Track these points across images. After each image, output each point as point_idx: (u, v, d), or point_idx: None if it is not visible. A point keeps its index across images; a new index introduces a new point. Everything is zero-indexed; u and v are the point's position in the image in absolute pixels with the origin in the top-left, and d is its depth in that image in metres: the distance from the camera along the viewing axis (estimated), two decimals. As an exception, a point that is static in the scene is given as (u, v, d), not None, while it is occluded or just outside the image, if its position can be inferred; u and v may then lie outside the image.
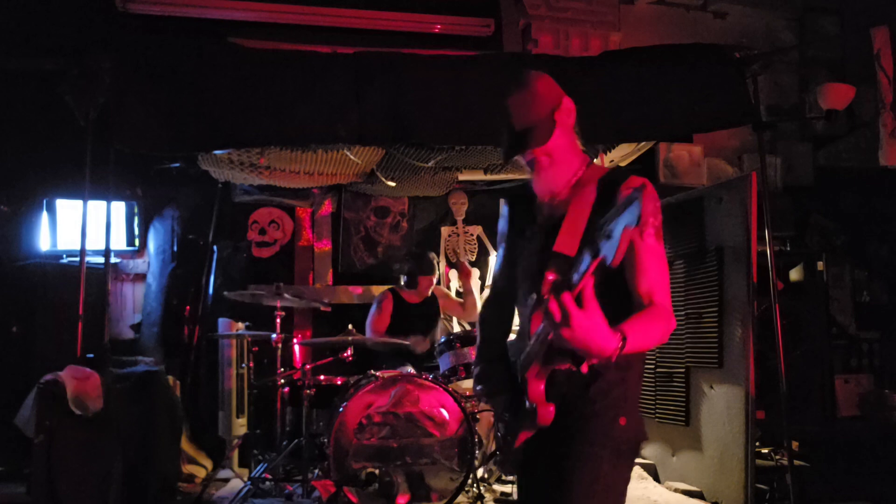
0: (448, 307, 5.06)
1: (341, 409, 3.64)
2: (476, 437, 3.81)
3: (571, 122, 1.87)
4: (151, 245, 5.37)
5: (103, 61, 3.41)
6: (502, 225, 2.09)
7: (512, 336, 2.10)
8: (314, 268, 5.60)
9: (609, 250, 1.38)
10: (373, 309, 4.82)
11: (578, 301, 1.48)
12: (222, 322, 4.93)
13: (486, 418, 4.10)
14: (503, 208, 2.09)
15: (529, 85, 1.84)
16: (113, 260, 4.80)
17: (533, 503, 1.97)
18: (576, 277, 1.48)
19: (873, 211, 6.31)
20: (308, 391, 3.97)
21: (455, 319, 5.33)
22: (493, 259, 5.67)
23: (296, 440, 4.10)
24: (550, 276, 1.73)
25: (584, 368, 1.75)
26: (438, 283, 5.48)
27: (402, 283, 4.81)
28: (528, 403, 1.78)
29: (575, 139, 1.90)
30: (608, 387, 1.82)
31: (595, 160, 1.95)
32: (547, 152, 1.83)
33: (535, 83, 1.84)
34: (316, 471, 4.03)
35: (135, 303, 5.40)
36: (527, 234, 1.94)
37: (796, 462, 3.91)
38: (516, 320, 2.12)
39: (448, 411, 3.72)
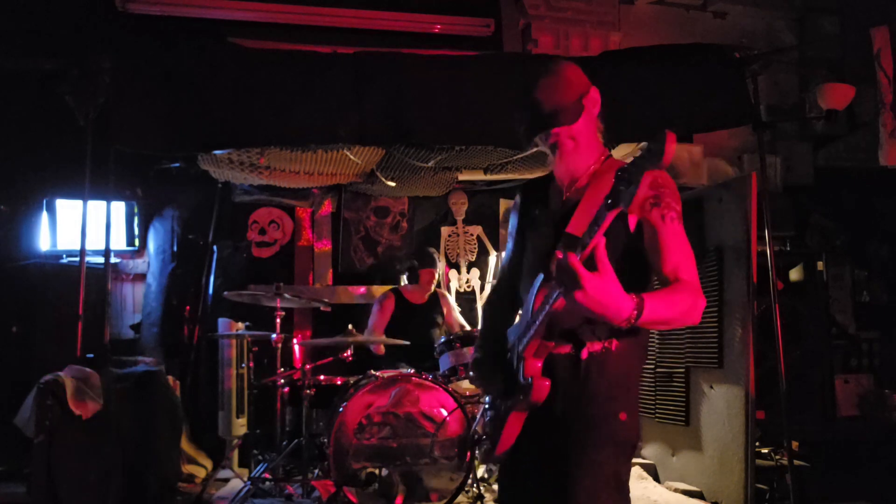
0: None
1: (341, 409, 3.64)
2: (476, 436, 3.80)
3: (597, 110, 1.89)
4: (151, 245, 5.37)
5: (103, 61, 3.41)
6: (513, 216, 2.11)
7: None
8: (314, 268, 5.60)
9: (626, 197, 1.42)
10: (374, 309, 4.82)
11: (592, 263, 1.50)
12: (222, 322, 4.92)
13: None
14: (516, 199, 2.10)
15: (559, 71, 1.88)
16: (113, 260, 4.80)
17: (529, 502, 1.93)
18: (586, 238, 1.51)
19: (873, 211, 6.30)
20: (308, 391, 3.97)
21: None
22: (493, 259, 5.72)
23: (296, 440, 4.10)
24: (559, 255, 1.74)
25: (584, 354, 1.79)
26: (438, 284, 5.48)
27: (404, 281, 4.80)
28: (522, 380, 1.77)
29: (597, 129, 1.93)
30: (609, 380, 1.81)
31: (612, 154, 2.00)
32: (572, 135, 1.85)
33: (564, 70, 1.88)
34: (316, 471, 4.03)
35: (135, 303, 5.40)
36: (538, 219, 1.97)
37: (796, 462, 3.91)
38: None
39: (448, 411, 3.72)
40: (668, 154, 1.38)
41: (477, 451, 2.08)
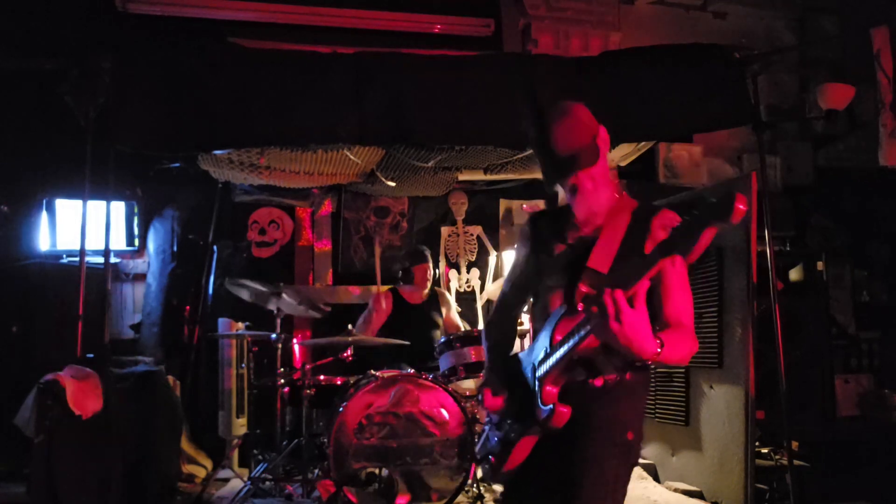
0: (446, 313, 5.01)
1: (341, 409, 3.64)
2: (476, 437, 3.80)
3: (608, 149, 1.95)
4: (151, 245, 5.37)
5: (103, 61, 3.41)
6: (524, 244, 2.16)
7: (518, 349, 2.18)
8: (314, 268, 5.60)
9: (685, 247, 1.47)
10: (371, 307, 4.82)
11: (630, 302, 1.58)
12: (222, 322, 4.92)
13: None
14: (525, 228, 2.16)
15: (571, 112, 1.91)
16: (113, 260, 4.79)
17: None
18: (633, 278, 1.57)
19: (873, 211, 6.30)
20: (308, 391, 3.97)
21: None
22: (493, 259, 5.72)
23: (296, 440, 4.10)
24: (583, 289, 1.83)
25: (598, 382, 1.88)
26: (437, 283, 5.48)
27: (401, 281, 4.80)
28: (542, 407, 1.84)
29: (609, 167, 1.99)
30: (620, 405, 1.90)
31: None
32: (591, 176, 1.90)
33: (576, 110, 1.92)
34: (316, 471, 4.03)
35: (135, 303, 5.39)
36: (555, 252, 2.02)
37: (796, 462, 3.91)
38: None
39: (448, 411, 3.72)
40: (738, 214, 1.37)
41: (480, 469, 2.13)
